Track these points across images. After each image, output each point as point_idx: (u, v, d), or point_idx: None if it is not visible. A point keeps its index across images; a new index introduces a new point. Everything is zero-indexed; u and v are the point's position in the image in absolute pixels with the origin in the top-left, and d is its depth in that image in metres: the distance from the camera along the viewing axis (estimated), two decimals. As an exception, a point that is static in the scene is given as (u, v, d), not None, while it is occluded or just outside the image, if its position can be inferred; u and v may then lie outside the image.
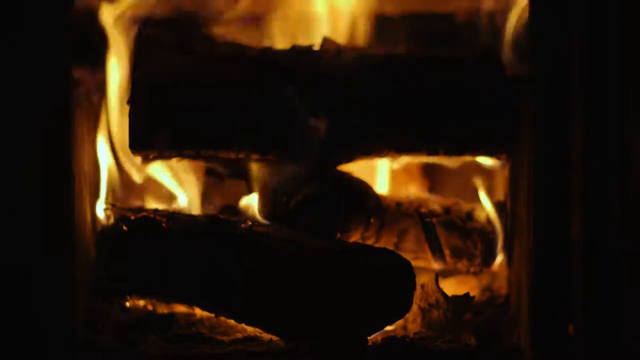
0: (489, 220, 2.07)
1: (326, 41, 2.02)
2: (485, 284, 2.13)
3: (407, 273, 1.82)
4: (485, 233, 2.07)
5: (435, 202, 2.12)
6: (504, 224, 2.05)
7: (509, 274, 2.02)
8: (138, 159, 2.02)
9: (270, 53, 2.01)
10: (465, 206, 2.12)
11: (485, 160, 2.04)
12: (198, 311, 1.96)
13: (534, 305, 1.75)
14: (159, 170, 2.08)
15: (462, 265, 2.08)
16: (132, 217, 1.97)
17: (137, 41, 2.00)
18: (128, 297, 2.00)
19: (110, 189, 2.04)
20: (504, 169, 2.05)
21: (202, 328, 1.92)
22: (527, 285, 1.78)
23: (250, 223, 1.91)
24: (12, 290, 1.71)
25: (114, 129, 2.03)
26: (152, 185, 2.14)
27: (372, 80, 1.98)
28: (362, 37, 2.10)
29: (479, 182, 2.08)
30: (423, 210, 2.08)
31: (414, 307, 1.90)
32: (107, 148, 2.03)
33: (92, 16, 1.95)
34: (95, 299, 1.94)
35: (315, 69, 1.97)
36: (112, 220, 2.00)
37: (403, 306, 1.82)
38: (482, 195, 2.07)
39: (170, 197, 2.12)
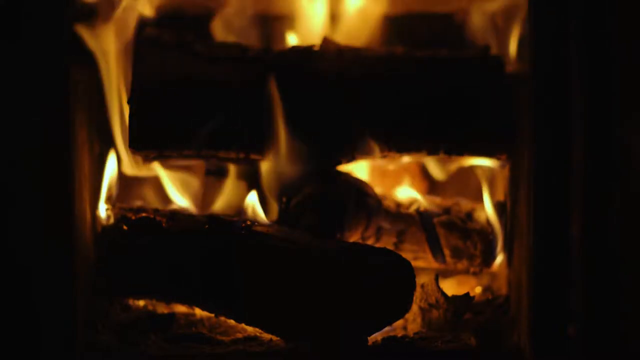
0: (488, 221, 2.07)
1: (326, 41, 2.02)
2: (485, 284, 2.13)
3: (407, 273, 1.82)
4: (485, 233, 2.07)
5: (435, 202, 2.12)
6: (504, 224, 2.05)
7: (509, 274, 2.02)
8: (138, 159, 2.02)
9: (270, 53, 2.01)
10: (465, 206, 2.12)
11: (485, 161, 2.04)
12: (198, 311, 1.96)
13: (534, 305, 1.75)
14: (159, 170, 2.08)
15: (462, 265, 2.08)
16: (132, 217, 1.97)
17: (137, 41, 2.00)
18: (127, 297, 2.00)
19: (111, 189, 2.03)
20: (504, 169, 2.05)
21: (202, 328, 1.92)
22: (527, 285, 1.78)
23: (250, 223, 1.91)
24: (13, 291, 1.71)
25: (114, 128, 2.03)
26: (152, 185, 2.14)
27: (372, 81, 1.98)
28: (362, 37, 2.10)
29: (481, 181, 2.08)
30: (423, 210, 2.08)
31: (414, 307, 1.90)
32: (108, 148, 2.03)
33: (92, 16, 1.95)
34: (95, 299, 1.94)
35: (316, 69, 1.97)
36: (112, 220, 2.00)
37: (403, 306, 1.82)
38: (485, 194, 2.07)
39: (170, 197, 2.12)
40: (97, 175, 2.01)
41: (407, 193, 2.14)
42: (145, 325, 1.90)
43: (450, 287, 2.08)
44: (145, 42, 2.00)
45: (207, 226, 1.91)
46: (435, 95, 1.98)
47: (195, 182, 2.10)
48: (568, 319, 1.72)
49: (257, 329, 1.88)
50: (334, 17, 2.10)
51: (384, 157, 2.00)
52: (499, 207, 2.07)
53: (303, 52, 2.01)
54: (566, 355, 1.72)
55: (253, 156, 1.98)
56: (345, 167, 2.04)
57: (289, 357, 1.82)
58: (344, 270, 1.79)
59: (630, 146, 1.69)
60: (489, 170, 2.08)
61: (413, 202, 2.10)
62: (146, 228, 1.95)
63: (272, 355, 1.82)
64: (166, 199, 2.12)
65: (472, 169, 2.08)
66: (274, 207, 2.00)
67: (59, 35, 1.72)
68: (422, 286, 1.93)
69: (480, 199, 2.09)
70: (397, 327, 1.91)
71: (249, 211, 1.99)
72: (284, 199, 1.98)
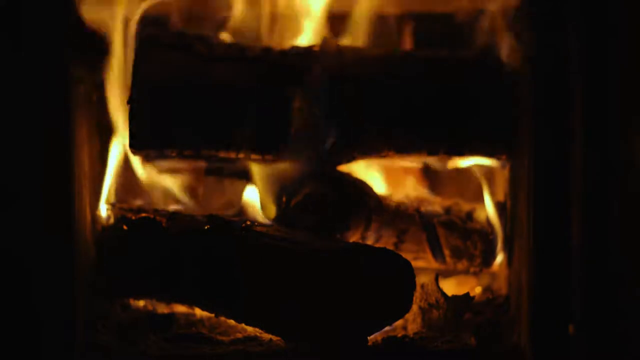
0: (488, 221, 2.07)
1: (326, 41, 2.02)
2: (485, 284, 2.13)
3: (407, 273, 1.82)
4: (485, 233, 2.07)
5: (435, 202, 2.12)
6: (504, 224, 2.05)
7: (509, 274, 2.02)
8: (138, 159, 2.02)
9: (270, 53, 2.01)
10: (465, 206, 2.12)
11: (485, 161, 2.04)
12: (198, 311, 1.96)
13: (534, 305, 1.75)
14: (159, 170, 2.08)
15: (462, 265, 2.08)
16: (132, 217, 1.97)
17: (137, 41, 2.00)
18: (127, 297, 2.00)
19: (111, 189, 2.04)
20: (504, 169, 2.05)
21: (202, 328, 1.92)
22: (527, 285, 1.78)
23: (250, 223, 1.91)
24: (12, 290, 1.71)
25: (114, 128, 2.03)
26: (152, 185, 2.14)
27: (372, 81, 1.98)
28: (362, 37, 2.10)
29: (481, 182, 2.08)
30: (423, 210, 2.08)
31: (414, 307, 1.90)
32: (108, 148, 2.03)
33: (93, 16, 1.95)
34: (95, 299, 1.94)
35: (315, 69, 1.97)
36: (112, 220, 2.00)
37: (403, 306, 1.82)
38: (485, 194, 2.07)
39: (170, 197, 2.12)
40: (97, 175, 2.01)
41: (407, 193, 2.14)
42: (145, 325, 1.90)
43: (450, 287, 2.08)
44: (146, 42, 2.00)
45: (207, 226, 1.91)
46: (435, 95, 1.98)
47: (195, 182, 2.10)
48: (568, 319, 1.72)
49: (257, 329, 1.88)
50: (334, 17, 2.10)
51: (383, 157, 2.00)
52: (499, 207, 2.07)
53: (303, 52, 2.01)
54: (566, 355, 1.72)
55: (253, 156, 1.98)
56: (345, 167, 2.04)
57: (289, 357, 1.82)
58: (344, 270, 1.79)
59: (630, 146, 1.69)
60: (489, 170, 2.08)
61: (413, 202, 2.10)
62: (146, 228, 1.95)
63: (272, 355, 1.82)
64: (166, 199, 2.12)
65: (472, 169, 2.08)
66: (274, 207, 2.00)
67: (59, 34, 1.72)
68: (422, 286, 1.93)
69: (480, 199, 2.09)
70: (397, 327, 1.91)
71: (249, 211, 2.00)
72: (284, 199, 1.98)
